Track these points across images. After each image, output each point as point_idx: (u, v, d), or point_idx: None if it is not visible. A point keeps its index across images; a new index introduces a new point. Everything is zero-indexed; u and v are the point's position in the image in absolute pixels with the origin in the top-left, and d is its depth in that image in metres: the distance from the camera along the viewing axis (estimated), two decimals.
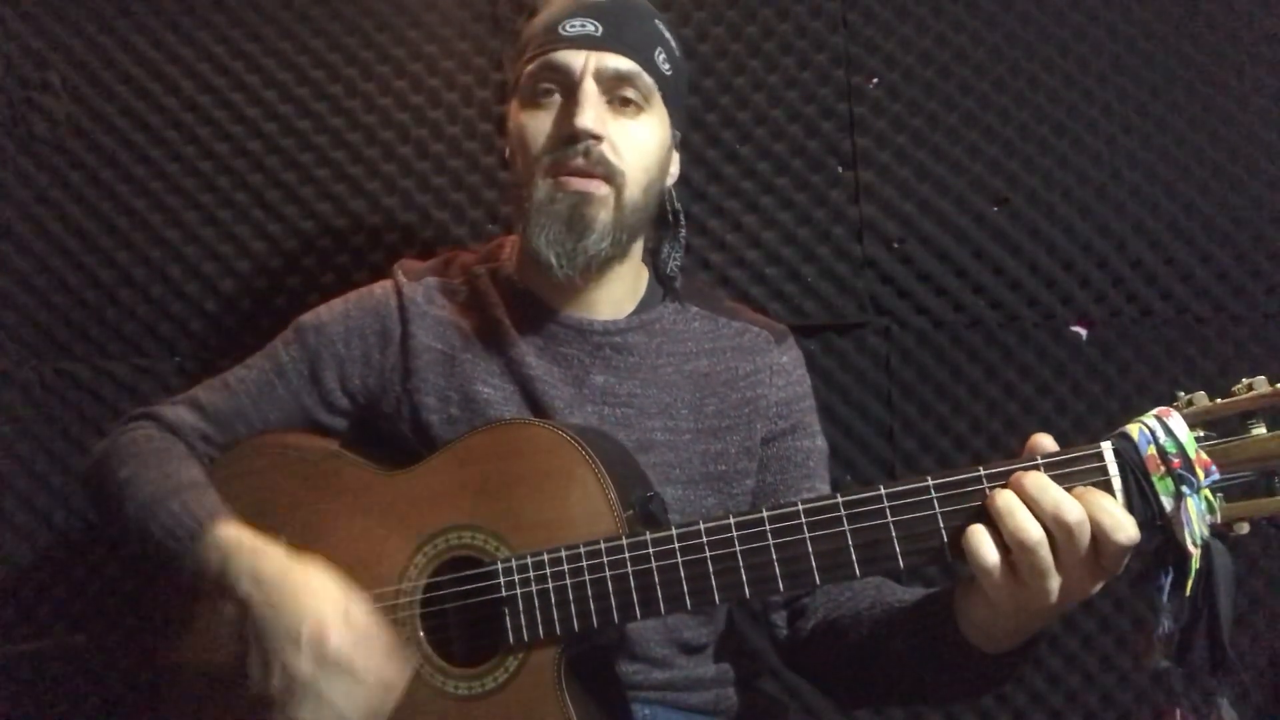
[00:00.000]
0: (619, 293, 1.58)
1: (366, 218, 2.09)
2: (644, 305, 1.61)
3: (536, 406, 1.50)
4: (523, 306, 1.56)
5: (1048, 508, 1.05)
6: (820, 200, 2.05)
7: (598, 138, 1.42)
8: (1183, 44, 2.04)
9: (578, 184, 1.42)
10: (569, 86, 1.44)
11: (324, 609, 1.24)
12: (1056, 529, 1.05)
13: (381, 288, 1.61)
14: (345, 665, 1.22)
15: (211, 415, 1.54)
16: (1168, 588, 1.05)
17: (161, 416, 1.55)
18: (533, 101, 1.47)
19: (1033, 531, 1.05)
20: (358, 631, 1.24)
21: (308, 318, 1.60)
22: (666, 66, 1.50)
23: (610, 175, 1.44)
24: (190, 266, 2.09)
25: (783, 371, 1.61)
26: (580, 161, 1.42)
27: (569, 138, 1.42)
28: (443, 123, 2.10)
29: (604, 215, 1.44)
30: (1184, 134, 2.03)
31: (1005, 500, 1.07)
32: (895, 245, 2.03)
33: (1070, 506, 1.05)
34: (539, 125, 1.46)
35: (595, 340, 1.54)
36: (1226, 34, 2.05)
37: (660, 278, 1.64)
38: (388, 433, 1.55)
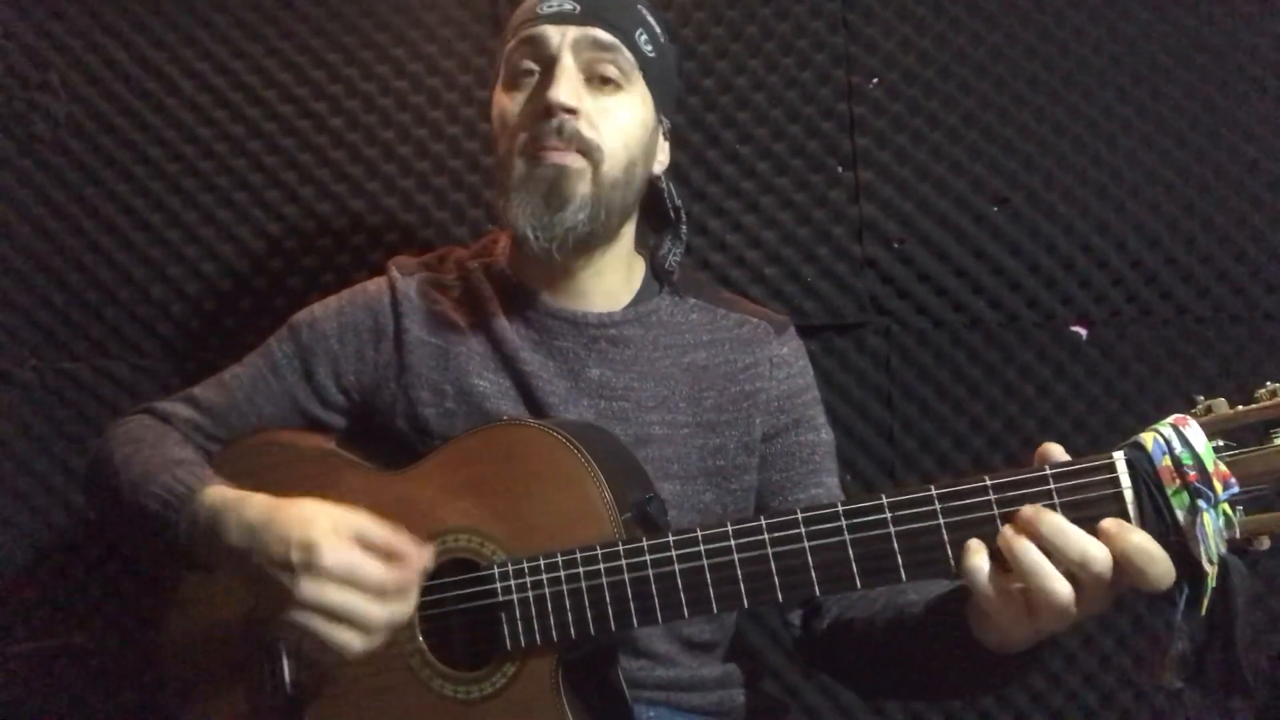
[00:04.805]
0: (613, 284, 1.57)
1: (366, 218, 2.09)
2: (640, 297, 1.60)
3: (531, 400, 1.50)
4: (516, 300, 1.55)
5: (1074, 557, 1.01)
6: (820, 200, 2.05)
7: (572, 111, 1.41)
8: (1183, 44, 2.04)
9: (554, 157, 1.41)
10: (547, 64, 1.44)
11: (310, 530, 1.20)
12: (1083, 576, 1.02)
13: (375, 284, 1.61)
14: (344, 574, 1.18)
15: (207, 410, 1.55)
16: (1182, 605, 1.01)
17: (157, 410, 1.56)
18: (512, 82, 1.47)
19: (1064, 593, 1.02)
20: (351, 544, 1.20)
21: (301, 315, 1.60)
22: (649, 48, 1.50)
23: (586, 150, 1.42)
24: (190, 266, 2.09)
25: (783, 364, 1.61)
26: (554, 139, 1.41)
27: (543, 112, 1.41)
28: (443, 123, 2.10)
29: (582, 188, 1.43)
30: (1184, 134, 2.03)
31: (1031, 559, 1.03)
32: (895, 245, 2.03)
33: (1096, 555, 1.01)
34: (516, 104, 1.46)
35: (590, 333, 1.53)
36: (1226, 34, 2.04)
37: (656, 271, 1.63)
38: (384, 428, 1.55)
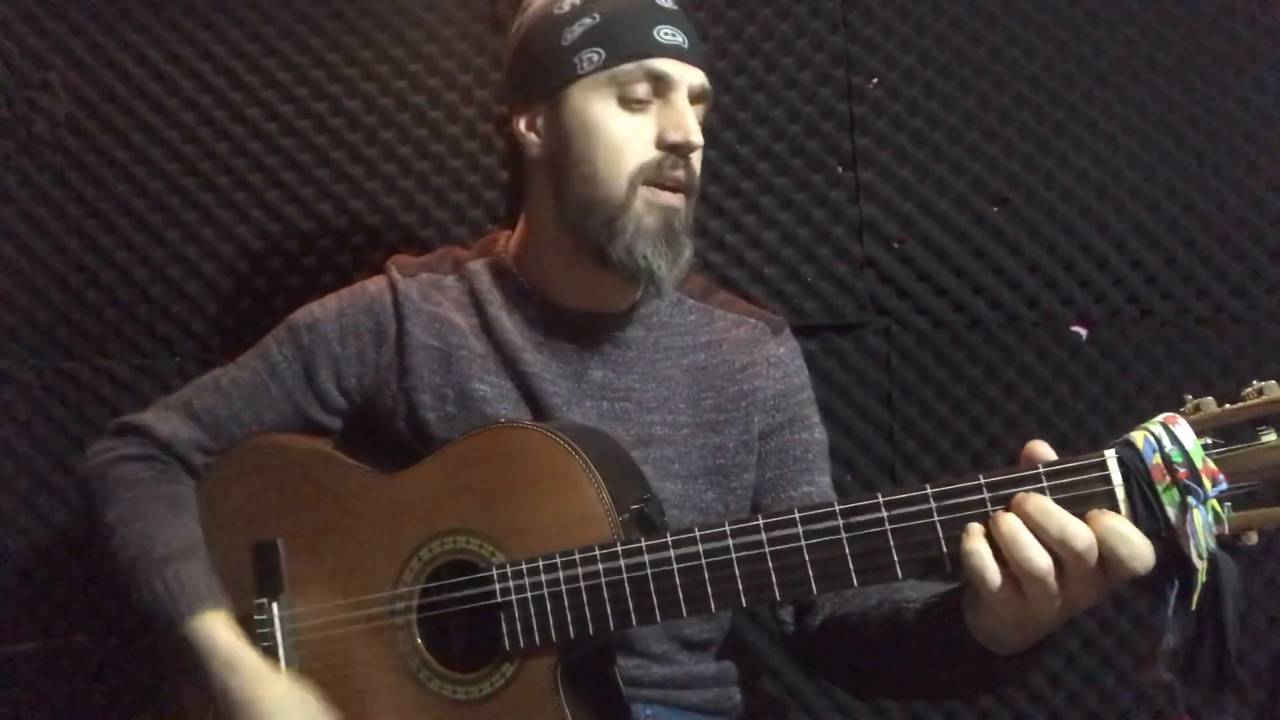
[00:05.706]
0: (618, 285, 1.57)
1: (366, 218, 2.09)
2: (641, 299, 1.59)
3: (534, 402, 1.50)
4: (520, 300, 1.56)
5: (1053, 533, 1.03)
6: (820, 200, 2.05)
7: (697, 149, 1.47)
8: (1183, 44, 2.04)
9: (673, 200, 1.45)
10: (664, 94, 1.45)
11: None
12: (1064, 553, 1.03)
13: (376, 284, 1.59)
14: None
15: (206, 423, 1.53)
16: (1172, 600, 1.02)
17: (154, 433, 1.53)
18: (625, 103, 1.45)
19: (1040, 562, 1.03)
20: None
21: (301, 315, 1.58)
22: None
23: (692, 188, 1.48)
24: (190, 266, 2.09)
25: (779, 363, 1.61)
26: (681, 173, 1.45)
27: (676, 148, 1.44)
28: (443, 123, 2.09)
29: (686, 226, 1.48)
30: (1184, 134, 2.03)
31: (1010, 527, 1.05)
32: (895, 245, 2.03)
33: (1076, 531, 1.02)
34: (633, 129, 1.45)
35: (595, 334, 1.54)
36: (1226, 34, 2.04)
37: None
38: (384, 431, 1.54)
